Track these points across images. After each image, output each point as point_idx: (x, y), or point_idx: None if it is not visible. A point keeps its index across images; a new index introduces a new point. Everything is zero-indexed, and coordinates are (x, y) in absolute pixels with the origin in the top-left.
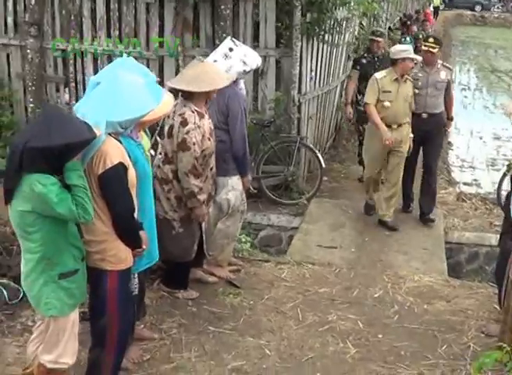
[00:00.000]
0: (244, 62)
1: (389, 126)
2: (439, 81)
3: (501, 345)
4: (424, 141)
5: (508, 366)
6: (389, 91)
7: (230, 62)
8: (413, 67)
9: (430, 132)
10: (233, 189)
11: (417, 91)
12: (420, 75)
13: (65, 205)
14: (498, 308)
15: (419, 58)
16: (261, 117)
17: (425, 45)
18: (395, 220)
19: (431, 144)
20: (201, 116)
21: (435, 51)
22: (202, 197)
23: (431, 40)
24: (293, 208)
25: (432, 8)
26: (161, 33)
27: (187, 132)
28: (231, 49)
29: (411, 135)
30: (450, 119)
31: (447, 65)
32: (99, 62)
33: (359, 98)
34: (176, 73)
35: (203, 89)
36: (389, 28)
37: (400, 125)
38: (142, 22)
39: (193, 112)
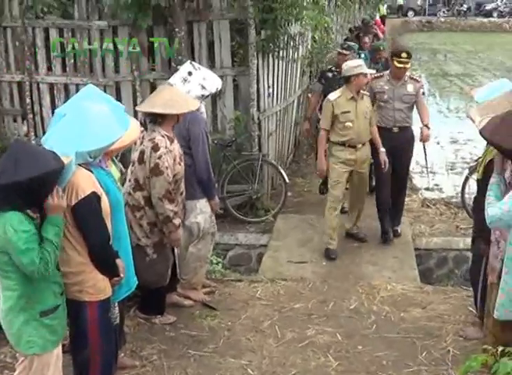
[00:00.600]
0: (203, 87)
1: (353, 146)
2: (406, 94)
3: (485, 348)
4: (394, 155)
5: (494, 368)
6: (348, 111)
7: (189, 86)
8: (368, 82)
9: (400, 146)
10: (202, 212)
11: (383, 103)
12: (386, 88)
13: (29, 255)
14: (474, 311)
15: (372, 71)
16: (221, 137)
17: (399, 62)
18: (362, 231)
19: (401, 158)
20: (171, 141)
21: (408, 66)
22: (177, 221)
23: (404, 55)
24: (260, 226)
25: (378, 17)
26: (116, 59)
27: (159, 157)
28: (190, 73)
29: (383, 149)
30: (426, 125)
31: (415, 77)
32: (55, 92)
33: (319, 114)
34: (134, 98)
35: (180, 111)
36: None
37: (363, 144)
38: (97, 49)
39: (163, 137)
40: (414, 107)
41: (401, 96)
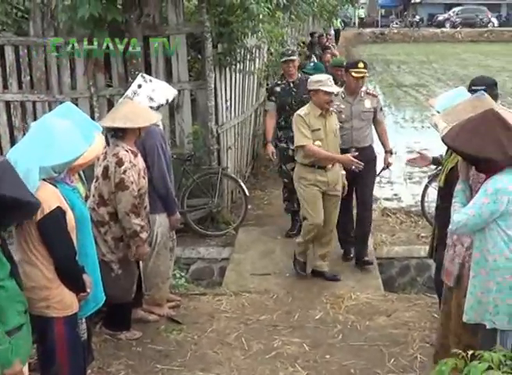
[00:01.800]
0: (151, 98)
1: (323, 167)
2: (364, 111)
3: (455, 352)
4: (355, 177)
5: (465, 371)
6: (318, 129)
7: (138, 98)
8: (331, 101)
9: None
10: (161, 226)
11: (340, 124)
12: (342, 107)
13: None
14: (439, 317)
15: (335, 90)
16: (180, 152)
17: (357, 72)
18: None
19: (363, 180)
20: (135, 155)
21: (366, 76)
22: (144, 235)
23: (360, 65)
24: (222, 239)
25: (332, 31)
26: (72, 75)
27: (124, 171)
28: (140, 86)
29: (343, 172)
30: (389, 152)
31: (371, 91)
32: (12, 110)
33: (279, 134)
34: (91, 114)
35: (140, 125)
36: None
37: (333, 164)
38: (53, 65)
39: (127, 152)
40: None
41: (359, 113)
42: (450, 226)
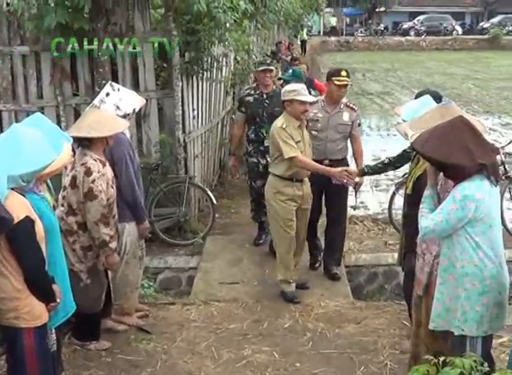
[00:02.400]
0: (117, 107)
1: (300, 180)
2: (341, 123)
3: (427, 358)
4: (326, 191)
5: None
6: (299, 141)
7: (104, 106)
8: (306, 110)
9: (333, 182)
10: (130, 234)
11: (315, 133)
12: (320, 115)
13: None
14: (408, 324)
15: (310, 99)
16: (147, 160)
17: (340, 80)
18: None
19: (335, 195)
20: (103, 164)
21: (349, 84)
22: (114, 245)
23: (343, 73)
24: (189, 249)
25: (299, 42)
26: (39, 84)
27: (93, 181)
28: (107, 94)
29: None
30: (360, 171)
31: (351, 105)
32: None
33: (249, 148)
34: (58, 123)
35: (105, 134)
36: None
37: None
38: (20, 75)
39: (95, 161)
40: None
41: (336, 125)
42: (419, 234)
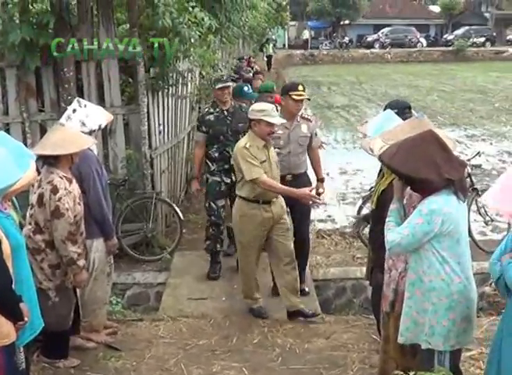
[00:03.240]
0: (83, 124)
1: (268, 202)
2: (302, 136)
3: (397, 374)
4: (290, 206)
5: None
6: (264, 161)
7: (70, 123)
8: (272, 132)
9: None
10: (98, 251)
11: (278, 150)
12: (280, 132)
13: None
14: (377, 339)
15: (278, 121)
16: (114, 177)
17: (298, 95)
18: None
19: (299, 209)
20: (70, 181)
21: (305, 97)
22: (82, 262)
23: (300, 87)
24: (157, 264)
25: (265, 57)
26: (4, 100)
27: (59, 199)
28: (74, 110)
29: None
30: (321, 180)
31: (307, 116)
32: None
33: (212, 167)
34: (24, 140)
35: (70, 151)
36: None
37: (277, 196)
38: None
39: (61, 178)
40: None
41: (297, 139)
42: (386, 246)
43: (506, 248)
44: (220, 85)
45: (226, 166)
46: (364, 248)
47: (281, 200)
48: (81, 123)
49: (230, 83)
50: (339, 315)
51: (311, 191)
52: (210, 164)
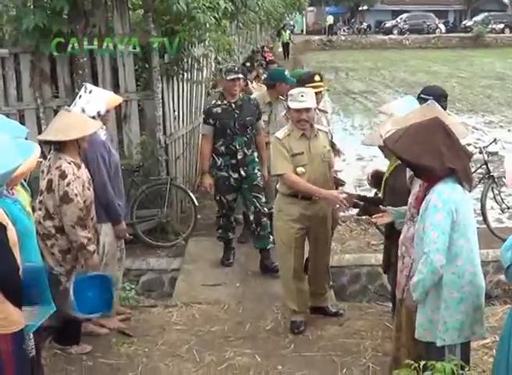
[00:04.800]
0: (83, 110)
1: (308, 198)
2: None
3: (408, 363)
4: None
5: None
6: (301, 153)
7: (74, 109)
8: (303, 120)
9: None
10: (107, 235)
11: None
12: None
13: None
14: (391, 326)
15: (304, 105)
16: (128, 162)
17: (314, 87)
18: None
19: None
20: (78, 166)
21: (325, 88)
22: (92, 247)
23: (317, 78)
24: (172, 250)
25: (281, 45)
26: (18, 87)
27: (68, 184)
28: (80, 96)
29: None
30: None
31: (322, 108)
32: None
33: (218, 161)
34: (38, 126)
35: (71, 137)
36: (243, 64)
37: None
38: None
39: (69, 164)
40: None
41: None
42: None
43: None
44: (232, 76)
45: (233, 161)
46: (379, 235)
47: (325, 201)
48: (81, 110)
49: (240, 76)
50: (354, 301)
51: (340, 193)
52: (216, 159)
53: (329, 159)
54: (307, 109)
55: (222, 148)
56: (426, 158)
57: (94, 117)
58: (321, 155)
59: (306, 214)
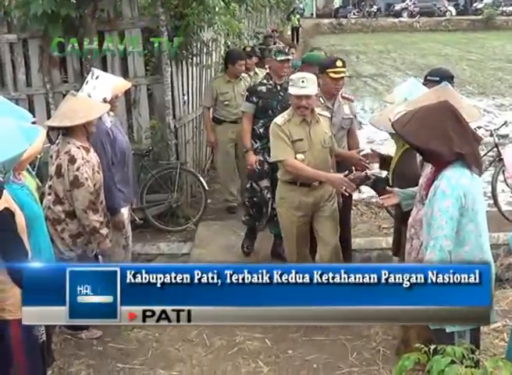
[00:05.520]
0: (89, 95)
1: (307, 185)
2: (345, 118)
3: (418, 346)
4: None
5: (428, 365)
6: (300, 139)
7: (81, 94)
8: (303, 106)
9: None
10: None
11: None
12: (327, 114)
13: None
14: None
15: (304, 92)
16: (138, 147)
17: (336, 72)
18: None
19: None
20: (87, 151)
21: (347, 74)
22: (105, 230)
23: (339, 63)
24: (182, 235)
25: (289, 33)
26: (27, 72)
27: (77, 168)
28: (87, 82)
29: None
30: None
31: (347, 95)
32: None
33: (254, 144)
34: (47, 111)
35: (76, 122)
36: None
37: (321, 182)
38: (8, 63)
39: (78, 148)
40: None
41: (340, 121)
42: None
43: None
44: (282, 57)
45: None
46: (390, 218)
47: (327, 187)
48: (87, 95)
49: (291, 57)
50: None
51: (346, 175)
52: (253, 141)
53: (330, 145)
54: (308, 96)
55: (261, 130)
56: (434, 143)
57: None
58: (322, 142)
59: (307, 201)
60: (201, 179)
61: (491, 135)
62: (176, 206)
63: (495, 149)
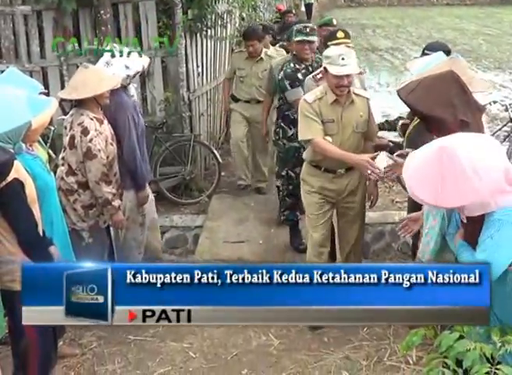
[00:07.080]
0: (127, 66)
1: (332, 171)
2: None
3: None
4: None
5: (436, 341)
6: (331, 120)
7: (112, 69)
8: (344, 86)
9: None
10: (129, 202)
11: None
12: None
13: None
14: None
15: (346, 71)
16: (152, 119)
17: (336, 44)
18: None
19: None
20: (100, 122)
21: (351, 45)
22: (117, 203)
23: (340, 34)
24: (195, 207)
25: (303, 8)
26: (41, 44)
27: (90, 140)
28: (113, 56)
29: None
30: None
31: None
32: None
33: (289, 131)
34: (61, 84)
35: (84, 95)
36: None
37: (350, 168)
38: (22, 35)
39: (91, 119)
40: None
41: None
42: None
43: None
44: (298, 38)
45: None
46: (403, 193)
47: (356, 175)
48: (125, 67)
49: (314, 39)
50: (377, 259)
51: (372, 158)
52: (287, 128)
53: (364, 130)
54: (348, 74)
55: (296, 116)
56: (438, 110)
57: (138, 72)
58: (354, 126)
59: (329, 188)
60: (215, 152)
61: (506, 110)
62: (190, 179)
63: (510, 124)
